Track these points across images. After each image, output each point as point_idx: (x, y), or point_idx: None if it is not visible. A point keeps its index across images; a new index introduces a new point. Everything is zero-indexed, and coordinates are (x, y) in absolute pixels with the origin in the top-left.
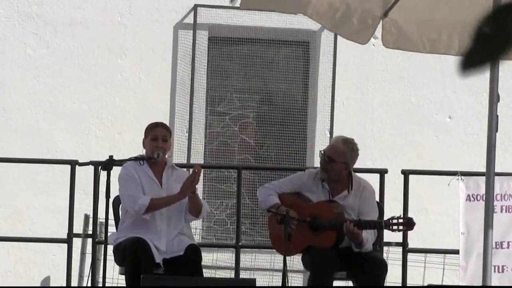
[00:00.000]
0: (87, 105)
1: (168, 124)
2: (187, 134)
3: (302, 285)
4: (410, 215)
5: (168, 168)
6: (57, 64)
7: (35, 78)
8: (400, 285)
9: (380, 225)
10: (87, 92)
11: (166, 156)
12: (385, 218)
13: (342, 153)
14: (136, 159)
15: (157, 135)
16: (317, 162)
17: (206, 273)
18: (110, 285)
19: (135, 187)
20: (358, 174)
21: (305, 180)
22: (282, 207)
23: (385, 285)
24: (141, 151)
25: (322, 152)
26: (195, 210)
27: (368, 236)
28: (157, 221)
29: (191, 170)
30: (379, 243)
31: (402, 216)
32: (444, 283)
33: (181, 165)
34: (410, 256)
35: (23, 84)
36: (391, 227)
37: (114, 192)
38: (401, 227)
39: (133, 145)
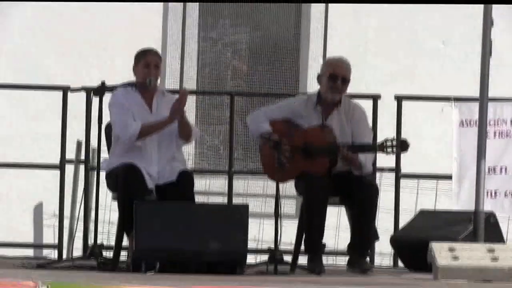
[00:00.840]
0: (78, 30)
1: (160, 50)
2: (179, 60)
3: (294, 211)
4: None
5: (158, 94)
6: None
7: (27, 4)
8: (393, 210)
9: (374, 147)
10: (78, 18)
11: (158, 82)
12: (378, 141)
13: (350, 71)
14: (128, 84)
15: (149, 62)
16: (310, 87)
17: (199, 199)
18: (103, 210)
19: (126, 114)
20: (352, 100)
21: (296, 105)
22: (273, 134)
23: (377, 210)
24: (131, 77)
25: (333, 75)
26: (185, 134)
27: (366, 157)
28: (148, 147)
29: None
30: (372, 168)
31: (395, 138)
32: (437, 208)
33: (174, 91)
34: (403, 181)
35: (15, 9)
36: (385, 149)
37: (106, 118)
38: (395, 149)
39: (125, 70)
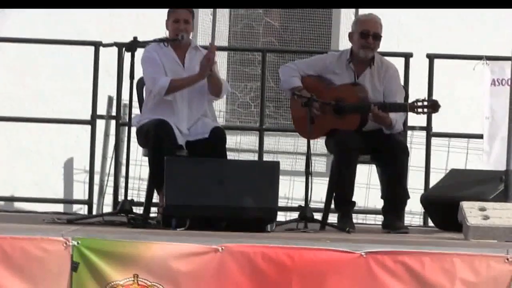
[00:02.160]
0: None
1: (192, 7)
2: (211, 17)
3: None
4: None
5: (191, 49)
6: None
7: None
8: (424, 168)
9: (405, 107)
10: None
11: (190, 38)
12: (410, 101)
13: (381, 27)
14: (160, 40)
15: (179, 17)
16: (342, 45)
17: (230, 156)
18: (133, 166)
19: (157, 69)
20: (383, 57)
21: (328, 62)
22: (304, 90)
23: (408, 169)
24: (164, 33)
25: (365, 31)
26: (215, 90)
27: (397, 117)
28: (178, 103)
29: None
30: (403, 127)
31: (427, 98)
32: (468, 168)
33: (205, 47)
34: (433, 140)
35: None
36: (416, 109)
37: (138, 74)
38: (426, 110)
39: (157, 26)
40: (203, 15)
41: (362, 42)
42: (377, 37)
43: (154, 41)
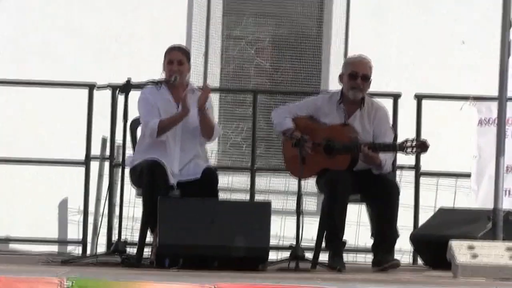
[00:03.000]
0: (105, 27)
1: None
2: (203, 58)
3: (316, 208)
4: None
5: (188, 91)
6: None
7: (52, 1)
8: (413, 207)
9: (395, 147)
10: (105, 15)
11: (187, 79)
12: (399, 141)
13: (371, 68)
14: (153, 82)
15: (172, 59)
16: (331, 86)
17: (222, 195)
18: (127, 207)
19: (150, 111)
20: (375, 100)
21: (319, 103)
22: (297, 131)
23: (398, 208)
24: (160, 74)
25: (354, 72)
26: (206, 131)
27: (386, 157)
28: (171, 144)
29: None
30: (393, 166)
31: (416, 138)
32: (456, 206)
33: (201, 88)
34: (422, 179)
35: (41, 6)
36: (405, 149)
37: (131, 115)
38: (415, 150)
39: (150, 68)
40: (196, 56)
41: (351, 83)
42: (366, 78)
43: (147, 83)
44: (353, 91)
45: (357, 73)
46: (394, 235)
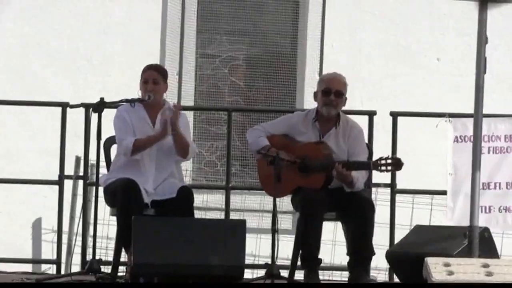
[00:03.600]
0: (77, 47)
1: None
2: (177, 77)
3: (291, 226)
4: (398, 156)
5: (164, 110)
6: (47, 7)
7: (26, 21)
8: (389, 225)
9: (369, 165)
10: (77, 35)
11: (163, 98)
12: (374, 159)
13: (345, 85)
14: (127, 101)
15: (147, 78)
16: (306, 104)
17: (197, 214)
18: (101, 226)
19: (124, 129)
20: (348, 116)
21: (294, 121)
22: (272, 149)
23: (373, 225)
24: (133, 93)
25: (327, 89)
26: (181, 150)
27: (359, 175)
28: (146, 163)
29: (184, 113)
30: (368, 184)
31: (390, 156)
32: (432, 223)
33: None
34: (398, 197)
35: (14, 26)
36: (379, 167)
37: (105, 134)
38: (389, 168)
39: (123, 87)
40: (170, 75)
41: (324, 100)
42: (339, 95)
43: (121, 101)
44: (326, 108)
45: (330, 89)
46: (369, 252)
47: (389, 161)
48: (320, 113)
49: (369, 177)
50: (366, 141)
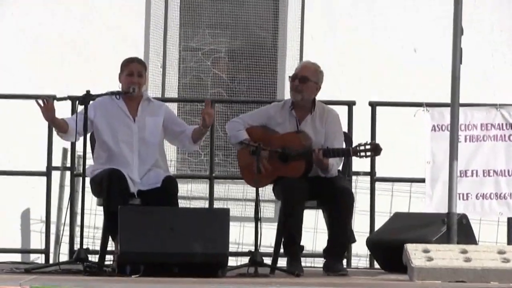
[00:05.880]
0: (62, 40)
1: (142, 59)
2: (161, 69)
3: (273, 214)
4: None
5: (143, 101)
6: (33, 1)
7: (10, 13)
8: (369, 212)
9: (348, 152)
10: (62, 28)
11: (142, 90)
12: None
13: (315, 71)
14: (112, 93)
15: (132, 70)
16: (287, 95)
17: (181, 204)
18: (88, 216)
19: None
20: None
21: (272, 112)
22: (251, 141)
23: (353, 214)
24: (117, 85)
25: (294, 75)
26: (199, 140)
27: (333, 161)
28: (128, 154)
29: (165, 103)
30: (348, 172)
31: (368, 142)
32: (411, 211)
33: (156, 99)
34: (377, 184)
35: (0, 20)
36: (358, 153)
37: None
38: (368, 153)
39: (108, 79)
40: (153, 68)
41: (291, 85)
42: (304, 80)
43: (107, 94)
44: (292, 93)
45: (296, 75)
46: (345, 240)
47: (367, 146)
48: (295, 102)
49: (349, 166)
50: (346, 130)
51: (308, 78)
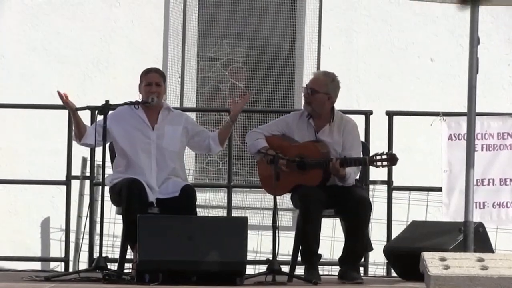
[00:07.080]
0: (82, 52)
1: (161, 70)
2: (179, 79)
3: (291, 223)
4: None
5: (164, 110)
6: (54, 13)
7: (32, 26)
8: (386, 221)
9: (365, 161)
10: (82, 40)
11: (163, 100)
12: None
13: (324, 83)
14: (131, 103)
15: (151, 81)
16: None
17: (199, 212)
18: (107, 224)
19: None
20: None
21: (290, 121)
22: (270, 149)
23: (369, 223)
24: (137, 95)
25: (305, 86)
26: (225, 140)
27: (351, 171)
28: (146, 163)
29: (185, 112)
30: (365, 181)
31: (385, 152)
32: (428, 219)
33: (175, 109)
34: (394, 193)
35: (21, 31)
36: (375, 163)
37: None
38: (384, 163)
39: (127, 89)
40: (172, 78)
41: (304, 96)
42: (313, 92)
43: (126, 103)
44: (304, 104)
45: (306, 86)
46: (362, 248)
47: (384, 156)
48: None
49: (366, 175)
50: (363, 139)
51: (315, 90)
